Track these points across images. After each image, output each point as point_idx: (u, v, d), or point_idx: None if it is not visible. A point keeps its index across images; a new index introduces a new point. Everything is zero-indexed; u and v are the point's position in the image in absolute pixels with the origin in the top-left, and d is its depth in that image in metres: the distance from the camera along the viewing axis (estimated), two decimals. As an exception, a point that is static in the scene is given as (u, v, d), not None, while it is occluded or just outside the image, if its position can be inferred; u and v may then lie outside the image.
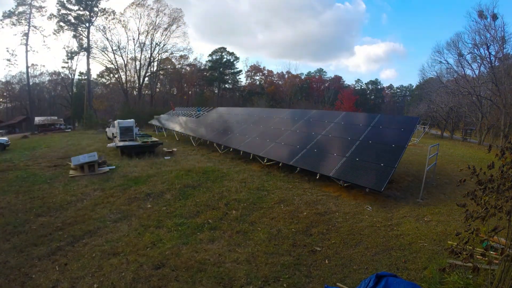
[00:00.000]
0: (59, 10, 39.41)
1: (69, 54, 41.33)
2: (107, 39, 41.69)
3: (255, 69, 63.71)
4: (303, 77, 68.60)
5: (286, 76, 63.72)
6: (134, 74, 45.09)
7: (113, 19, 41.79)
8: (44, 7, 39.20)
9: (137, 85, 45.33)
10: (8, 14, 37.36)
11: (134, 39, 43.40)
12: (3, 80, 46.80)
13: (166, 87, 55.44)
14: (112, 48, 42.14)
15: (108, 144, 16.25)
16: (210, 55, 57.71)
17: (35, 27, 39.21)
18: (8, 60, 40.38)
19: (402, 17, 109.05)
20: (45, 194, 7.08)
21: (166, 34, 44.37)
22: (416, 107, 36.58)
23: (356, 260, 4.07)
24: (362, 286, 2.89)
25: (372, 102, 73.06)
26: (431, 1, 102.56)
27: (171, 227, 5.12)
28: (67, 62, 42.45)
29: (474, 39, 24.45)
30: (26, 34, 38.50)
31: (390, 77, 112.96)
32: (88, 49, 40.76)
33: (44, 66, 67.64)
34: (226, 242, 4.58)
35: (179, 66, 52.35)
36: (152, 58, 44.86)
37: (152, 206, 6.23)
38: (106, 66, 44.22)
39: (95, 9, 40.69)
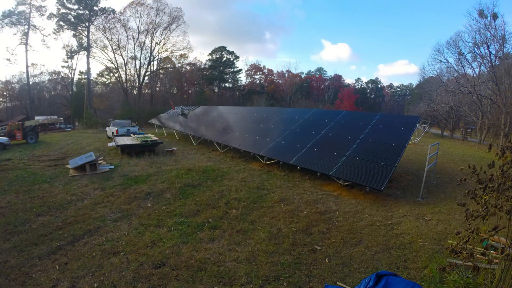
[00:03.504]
0: (58, 10, 39.38)
1: (69, 54, 41.30)
2: (107, 38, 41.61)
3: (255, 68, 63.58)
4: (303, 76, 68.56)
5: (286, 75, 63.63)
6: (134, 73, 45.06)
7: (113, 18, 41.73)
8: (44, 7, 39.14)
9: (137, 84, 45.29)
10: (8, 14, 37.30)
11: (134, 38, 43.31)
12: (3, 79, 46.83)
13: (166, 86, 55.32)
14: (112, 47, 42.06)
15: (109, 143, 16.25)
16: (210, 54, 57.65)
17: (35, 26, 39.15)
18: (8, 59, 40.41)
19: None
20: (45, 193, 7.09)
21: (166, 33, 44.37)
22: (416, 106, 36.59)
23: (356, 259, 4.07)
24: (362, 285, 2.89)
25: (372, 101, 73.00)
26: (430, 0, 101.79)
27: (171, 226, 5.13)
28: (67, 62, 42.43)
29: (474, 38, 24.44)
30: (26, 34, 38.42)
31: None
32: (88, 48, 40.71)
33: (44, 65, 67.73)
34: (226, 241, 4.58)
35: (179, 65, 52.30)
36: (152, 57, 44.86)
37: (152, 205, 6.23)
38: (106, 65, 44.27)
39: (95, 8, 40.60)
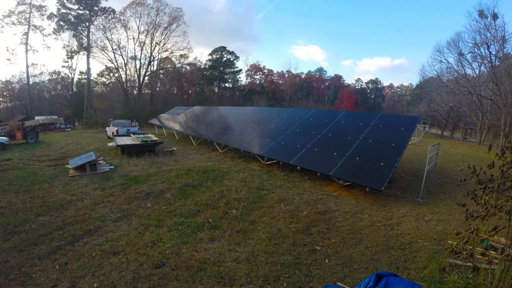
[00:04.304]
0: (59, 10, 39.39)
1: (69, 54, 41.34)
2: (107, 38, 41.66)
3: (255, 68, 63.59)
4: (303, 76, 68.61)
5: (287, 75, 63.64)
6: (134, 73, 45.09)
7: (113, 18, 41.77)
8: (44, 6, 39.16)
9: (137, 84, 45.30)
10: (8, 14, 37.33)
11: (134, 38, 43.42)
12: (3, 79, 46.85)
13: (166, 86, 55.35)
14: (112, 47, 42.11)
15: (109, 144, 16.25)
16: (210, 54, 57.70)
17: (35, 26, 39.16)
18: (8, 59, 40.46)
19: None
20: (45, 193, 7.09)
21: (166, 33, 44.40)
22: (417, 107, 36.64)
23: (356, 259, 4.07)
24: (362, 285, 2.89)
25: (372, 101, 73.06)
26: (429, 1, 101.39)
27: (171, 226, 5.13)
28: (67, 62, 42.51)
29: (474, 38, 24.48)
30: (26, 34, 38.44)
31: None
32: (88, 48, 40.71)
33: (44, 65, 67.99)
34: (226, 241, 4.58)
35: (179, 65, 52.33)
36: (152, 57, 44.88)
37: (152, 205, 6.23)
38: (106, 65, 44.30)
39: (95, 8, 40.63)
